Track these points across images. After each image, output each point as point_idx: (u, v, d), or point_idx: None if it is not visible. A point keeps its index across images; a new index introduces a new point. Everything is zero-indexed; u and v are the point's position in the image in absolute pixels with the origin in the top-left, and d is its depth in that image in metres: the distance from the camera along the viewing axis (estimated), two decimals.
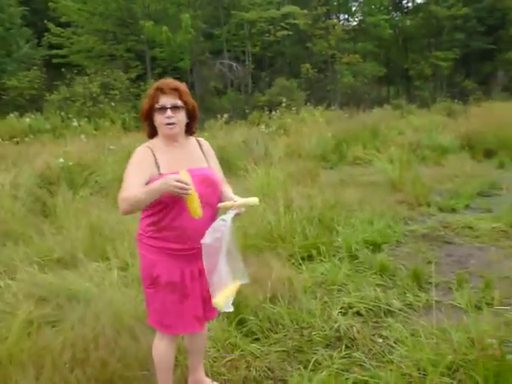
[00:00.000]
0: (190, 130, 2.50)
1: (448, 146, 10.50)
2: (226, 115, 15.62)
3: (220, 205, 2.36)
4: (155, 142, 2.40)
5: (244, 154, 9.43)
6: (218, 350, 3.10)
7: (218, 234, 2.18)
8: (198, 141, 2.55)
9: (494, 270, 4.24)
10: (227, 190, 2.49)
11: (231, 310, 2.21)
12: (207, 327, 2.71)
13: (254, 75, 27.45)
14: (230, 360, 3.01)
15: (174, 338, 2.53)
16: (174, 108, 2.33)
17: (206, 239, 2.17)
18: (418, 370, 2.55)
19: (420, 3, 34.59)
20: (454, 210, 6.38)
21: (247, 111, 21.32)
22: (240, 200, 2.32)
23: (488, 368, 1.99)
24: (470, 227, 5.55)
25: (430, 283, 4.06)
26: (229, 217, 2.22)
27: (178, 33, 22.67)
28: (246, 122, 16.40)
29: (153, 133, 2.44)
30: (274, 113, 16.78)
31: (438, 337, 2.61)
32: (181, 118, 2.36)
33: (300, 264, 4.43)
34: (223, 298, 2.17)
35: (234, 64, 25.05)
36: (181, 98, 2.36)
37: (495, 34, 31.15)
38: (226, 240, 2.17)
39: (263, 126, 13.37)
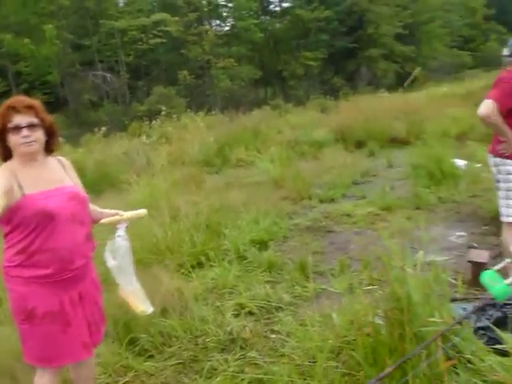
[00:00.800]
0: (49, 149, 2.34)
1: (323, 140, 11.09)
2: (103, 128, 15.01)
3: (104, 221, 2.34)
4: (12, 164, 2.23)
5: (125, 167, 9.15)
6: (110, 375, 2.96)
7: (122, 251, 2.26)
8: (57, 159, 2.41)
9: (370, 252, 4.54)
10: (93, 206, 2.43)
11: (152, 308, 2.41)
12: (95, 353, 2.57)
13: (130, 85, 26.78)
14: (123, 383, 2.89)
15: (57, 372, 2.36)
16: (31, 126, 2.18)
17: (111, 262, 2.25)
18: (308, 358, 2.65)
19: (286, 7, 36.31)
20: (333, 200, 6.76)
21: (126, 122, 20.74)
22: (126, 213, 2.32)
23: (366, 346, 2.13)
24: (348, 214, 5.91)
25: (316, 272, 4.28)
26: (122, 231, 2.27)
27: (43, 45, 21.38)
28: (126, 133, 15.91)
29: (6, 155, 2.26)
30: (154, 122, 16.49)
31: (323, 323, 2.74)
32: (39, 136, 2.22)
33: (190, 272, 4.39)
34: (143, 303, 2.35)
35: (108, 75, 24.25)
36: (37, 115, 2.22)
37: (355, 33, 33.72)
38: (129, 253, 2.28)
39: (144, 137, 13.08)
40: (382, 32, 33.28)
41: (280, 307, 3.65)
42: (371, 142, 10.46)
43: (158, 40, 26.40)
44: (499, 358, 2.15)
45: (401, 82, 27.59)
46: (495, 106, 3.25)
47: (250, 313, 3.63)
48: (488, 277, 2.23)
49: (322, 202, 6.72)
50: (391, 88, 22.75)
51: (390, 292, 2.15)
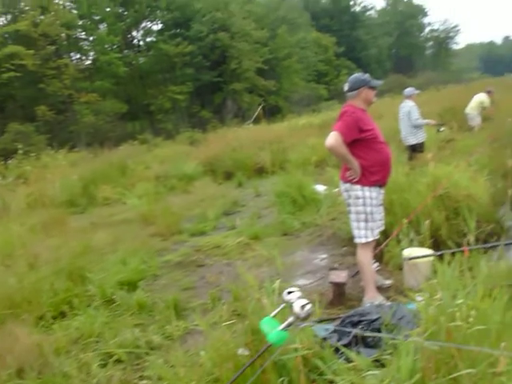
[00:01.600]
0: None
1: (193, 173, 11.16)
2: None
3: None
4: None
5: None
6: None
7: None
8: None
9: (241, 282, 4.61)
10: None
11: None
12: None
13: None
14: None
15: None
16: None
17: None
18: None
19: (150, 41, 36.36)
20: (203, 233, 6.77)
21: None
22: None
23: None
24: (219, 246, 5.97)
25: (188, 309, 4.21)
26: None
27: None
28: None
29: None
30: (10, 161, 15.22)
31: (192, 363, 2.69)
32: None
33: (51, 324, 4.05)
34: None
35: None
36: None
37: (220, 68, 34.87)
38: None
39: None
40: (245, 67, 34.81)
41: (151, 350, 3.51)
42: (239, 173, 10.77)
43: (12, 74, 24.66)
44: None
45: (265, 114, 29.07)
46: (340, 138, 3.55)
47: (118, 361, 3.44)
48: (265, 323, 2.22)
49: (192, 235, 6.70)
50: (256, 120, 23.78)
51: (249, 324, 2.18)
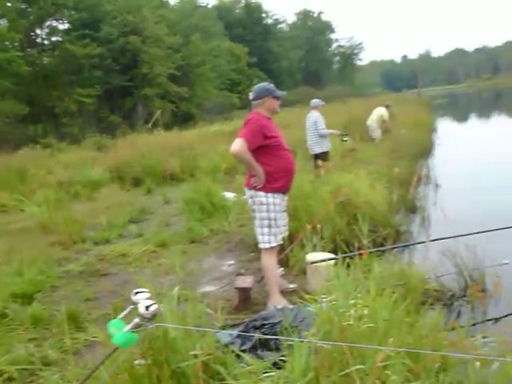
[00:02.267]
0: None
1: (99, 179, 10.74)
2: None
3: None
4: None
5: None
6: None
7: None
8: None
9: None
10: None
11: None
12: None
13: None
14: None
15: None
16: None
17: None
18: None
19: (56, 41, 34.59)
20: (108, 242, 6.52)
21: None
22: None
23: None
24: (124, 255, 5.77)
25: (89, 321, 4.02)
26: None
27: None
28: None
29: None
30: None
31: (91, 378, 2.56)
32: None
33: None
34: None
35: None
36: None
37: (130, 72, 34.02)
38: None
39: None
40: (157, 72, 34.29)
41: (46, 366, 3.30)
42: (148, 180, 10.54)
43: None
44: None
45: (177, 120, 28.78)
46: (245, 144, 3.60)
47: (10, 379, 3.19)
48: (112, 326, 2.19)
49: (96, 244, 6.43)
50: (167, 126, 23.48)
51: (147, 333, 2.13)
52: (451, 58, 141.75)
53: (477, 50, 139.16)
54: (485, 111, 31.47)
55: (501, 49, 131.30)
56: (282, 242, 4.05)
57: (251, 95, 3.93)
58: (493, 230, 4.24)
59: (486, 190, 8.03)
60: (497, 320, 3.58)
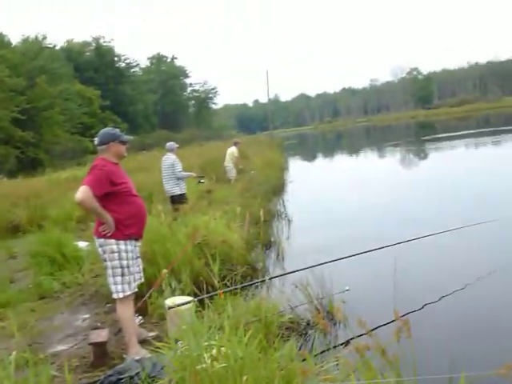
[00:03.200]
0: None
1: None
2: None
3: None
4: None
5: None
6: None
7: None
8: None
9: None
10: None
11: None
12: None
13: None
14: None
15: None
16: None
17: None
18: None
19: None
20: None
21: None
22: None
23: None
24: None
25: None
26: None
27: None
28: None
29: None
30: None
31: None
32: None
33: None
34: None
35: None
36: None
37: None
38: None
39: None
40: None
41: None
42: None
43: None
44: None
45: (23, 167, 26.67)
46: (90, 192, 3.46)
47: None
48: None
49: None
50: (12, 173, 21.61)
51: None
52: (298, 102, 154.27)
53: (318, 96, 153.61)
54: (329, 150, 34.62)
55: (338, 95, 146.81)
56: (137, 290, 3.92)
57: (96, 141, 3.82)
58: (339, 259, 4.62)
59: (333, 222, 8.76)
60: (347, 343, 3.84)
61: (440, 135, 32.13)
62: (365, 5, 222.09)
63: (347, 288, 4.30)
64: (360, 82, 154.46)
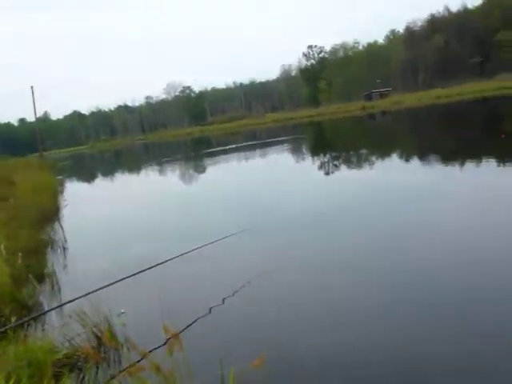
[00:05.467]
0: None
1: None
2: None
3: None
4: None
5: None
6: None
7: None
8: None
9: None
10: None
11: None
12: None
13: None
14: None
15: None
16: None
17: None
18: None
19: None
20: None
21: None
22: None
23: None
24: None
25: None
26: None
27: None
28: None
29: None
30: None
31: None
32: None
33: None
34: None
35: None
36: None
37: None
38: None
39: None
40: None
41: None
42: None
43: None
44: None
45: None
46: None
47: None
48: None
49: None
50: None
51: None
52: (71, 120, 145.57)
53: (93, 114, 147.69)
54: (108, 169, 33.59)
55: (114, 112, 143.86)
56: None
57: None
58: (113, 283, 4.49)
59: (110, 244, 8.50)
60: (124, 369, 3.67)
61: (215, 149, 34.27)
62: (136, 20, 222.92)
63: (122, 311, 4.22)
64: (136, 100, 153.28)
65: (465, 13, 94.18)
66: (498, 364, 3.03)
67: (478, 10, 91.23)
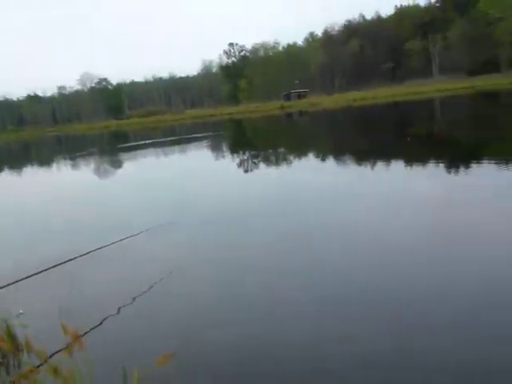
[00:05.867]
0: None
1: None
2: None
3: None
4: None
5: None
6: None
7: None
8: None
9: None
10: None
11: None
12: None
13: None
14: None
15: None
16: None
17: None
18: None
19: None
20: None
21: None
22: None
23: None
24: None
25: None
26: None
27: None
28: None
29: None
30: None
31: None
32: None
33: None
34: None
35: None
36: None
37: None
38: None
39: None
40: None
41: None
42: None
43: None
44: None
45: None
46: None
47: None
48: None
49: None
50: None
51: None
52: None
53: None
54: (16, 162, 31.47)
55: (23, 102, 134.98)
56: None
57: None
58: (13, 283, 4.21)
59: (14, 242, 7.96)
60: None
61: (133, 143, 33.31)
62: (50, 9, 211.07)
63: (21, 311, 3.97)
64: (47, 89, 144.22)
65: (378, 21, 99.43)
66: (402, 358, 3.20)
67: (391, 19, 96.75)
